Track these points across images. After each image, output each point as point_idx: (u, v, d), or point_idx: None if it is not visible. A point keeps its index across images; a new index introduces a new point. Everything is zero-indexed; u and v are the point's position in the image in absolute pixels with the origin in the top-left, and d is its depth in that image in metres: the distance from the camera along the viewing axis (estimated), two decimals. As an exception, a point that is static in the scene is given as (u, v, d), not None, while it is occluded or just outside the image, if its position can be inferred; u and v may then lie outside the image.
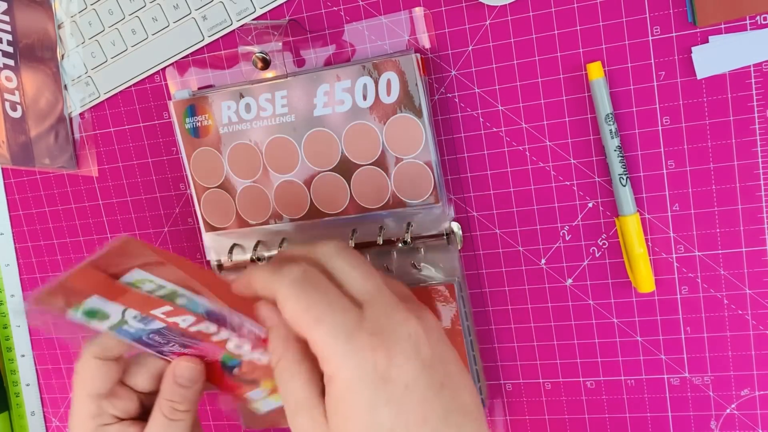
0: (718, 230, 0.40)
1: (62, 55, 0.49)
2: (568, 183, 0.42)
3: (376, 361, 0.28)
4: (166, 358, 0.36)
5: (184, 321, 0.33)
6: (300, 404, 0.31)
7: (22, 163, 0.51)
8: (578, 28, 0.40)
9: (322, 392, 0.30)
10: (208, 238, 0.48)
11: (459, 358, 0.32)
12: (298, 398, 0.31)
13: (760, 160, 0.39)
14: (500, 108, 0.42)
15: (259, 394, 0.38)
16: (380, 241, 0.44)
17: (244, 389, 0.37)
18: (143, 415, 0.37)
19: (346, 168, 0.43)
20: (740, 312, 0.41)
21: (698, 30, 0.38)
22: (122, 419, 0.36)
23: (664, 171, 0.40)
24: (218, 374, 0.37)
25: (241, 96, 0.44)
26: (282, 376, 0.31)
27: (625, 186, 0.40)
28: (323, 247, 0.33)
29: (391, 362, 0.29)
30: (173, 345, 0.35)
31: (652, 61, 0.39)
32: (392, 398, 0.28)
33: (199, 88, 0.47)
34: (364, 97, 0.42)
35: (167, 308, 0.32)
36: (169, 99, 0.48)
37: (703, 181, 0.40)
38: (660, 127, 0.40)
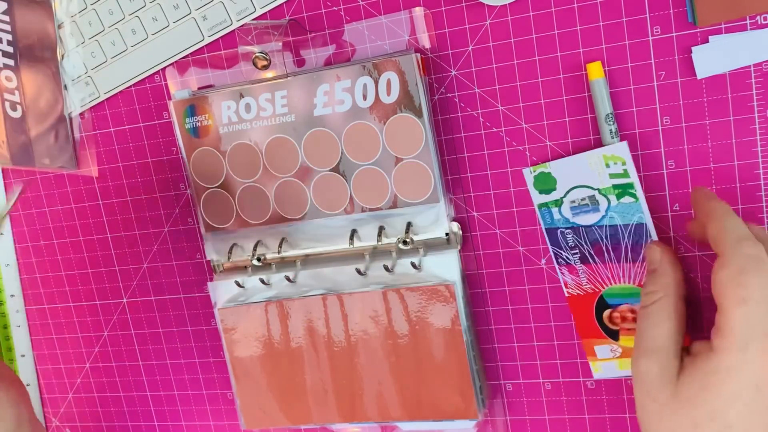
0: (718, 230, 0.40)
1: (62, 55, 0.49)
2: (568, 183, 0.42)
3: (762, 369, 0.29)
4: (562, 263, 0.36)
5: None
6: (656, 350, 0.31)
7: (22, 163, 0.51)
8: (578, 28, 0.40)
9: (680, 349, 0.31)
10: (208, 238, 0.48)
11: None
12: (658, 344, 0.31)
13: (760, 160, 0.39)
14: (500, 108, 0.42)
15: (606, 352, 0.38)
16: (380, 241, 0.44)
17: (599, 340, 0.38)
18: None
19: (346, 168, 0.43)
20: (740, 312, 0.41)
21: (698, 30, 0.38)
22: None
23: (664, 171, 0.40)
24: (586, 311, 0.38)
25: (241, 96, 0.44)
26: (651, 315, 0.32)
27: (625, 186, 0.40)
28: None
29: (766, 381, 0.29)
30: (575, 253, 0.36)
31: (652, 61, 0.39)
32: (749, 404, 0.29)
33: (199, 88, 0.47)
34: (364, 97, 0.42)
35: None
36: (169, 99, 0.48)
37: (703, 181, 0.40)
38: (660, 127, 0.40)
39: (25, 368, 0.56)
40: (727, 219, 0.33)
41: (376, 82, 0.42)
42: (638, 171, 0.40)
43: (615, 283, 0.37)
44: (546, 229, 0.37)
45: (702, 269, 0.41)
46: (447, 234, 0.43)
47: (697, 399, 0.30)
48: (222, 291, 0.48)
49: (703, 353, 0.31)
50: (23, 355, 0.56)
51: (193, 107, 0.45)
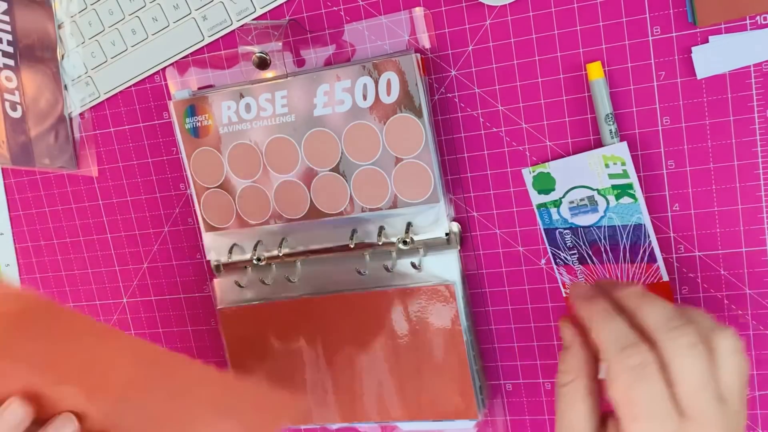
0: (718, 230, 0.40)
1: (62, 55, 0.49)
2: (568, 183, 0.42)
3: None
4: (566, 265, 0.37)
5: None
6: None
7: (22, 163, 0.51)
8: (578, 28, 0.40)
9: (597, 427, 0.33)
10: (208, 238, 0.48)
11: None
12: (574, 425, 0.33)
13: (760, 160, 0.39)
14: (500, 108, 0.42)
15: None
16: (380, 241, 0.44)
17: None
18: None
19: (346, 168, 0.43)
20: (740, 312, 0.41)
21: (698, 30, 0.38)
22: None
23: (664, 171, 0.40)
24: None
25: (241, 96, 0.44)
26: (565, 398, 0.33)
27: (625, 186, 0.40)
28: (679, 334, 0.31)
29: None
30: (574, 253, 0.36)
31: (652, 61, 0.39)
32: None
33: (199, 88, 0.47)
34: (364, 97, 0.42)
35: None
36: (169, 99, 0.48)
37: (703, 181, 0.40)
38: (660, 127, 0.40)
39: (25, 368, 0.56)
40: (605, 325, 0.32)
41: (376, 82, 0.42)
42: (638, 171, 0.40)
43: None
44: (544, 229, 0.37)
45: (702, 269, 0.41)
46: (447, 234, 0.43)
47: None
48: (222, 291, 0.48)
49: None
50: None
51: (193, 107, 0.45)
